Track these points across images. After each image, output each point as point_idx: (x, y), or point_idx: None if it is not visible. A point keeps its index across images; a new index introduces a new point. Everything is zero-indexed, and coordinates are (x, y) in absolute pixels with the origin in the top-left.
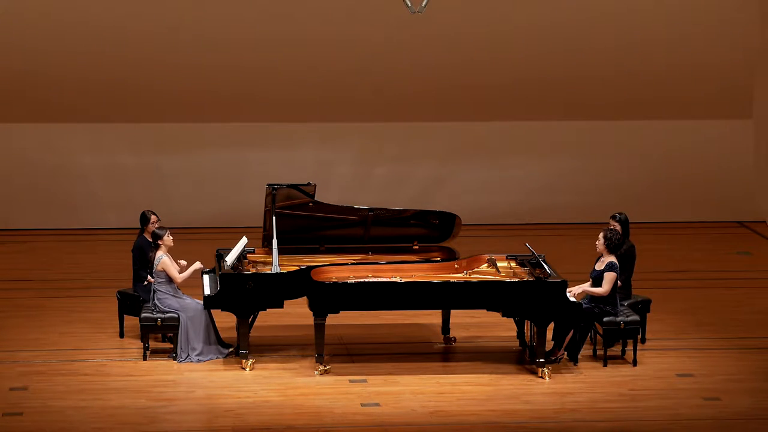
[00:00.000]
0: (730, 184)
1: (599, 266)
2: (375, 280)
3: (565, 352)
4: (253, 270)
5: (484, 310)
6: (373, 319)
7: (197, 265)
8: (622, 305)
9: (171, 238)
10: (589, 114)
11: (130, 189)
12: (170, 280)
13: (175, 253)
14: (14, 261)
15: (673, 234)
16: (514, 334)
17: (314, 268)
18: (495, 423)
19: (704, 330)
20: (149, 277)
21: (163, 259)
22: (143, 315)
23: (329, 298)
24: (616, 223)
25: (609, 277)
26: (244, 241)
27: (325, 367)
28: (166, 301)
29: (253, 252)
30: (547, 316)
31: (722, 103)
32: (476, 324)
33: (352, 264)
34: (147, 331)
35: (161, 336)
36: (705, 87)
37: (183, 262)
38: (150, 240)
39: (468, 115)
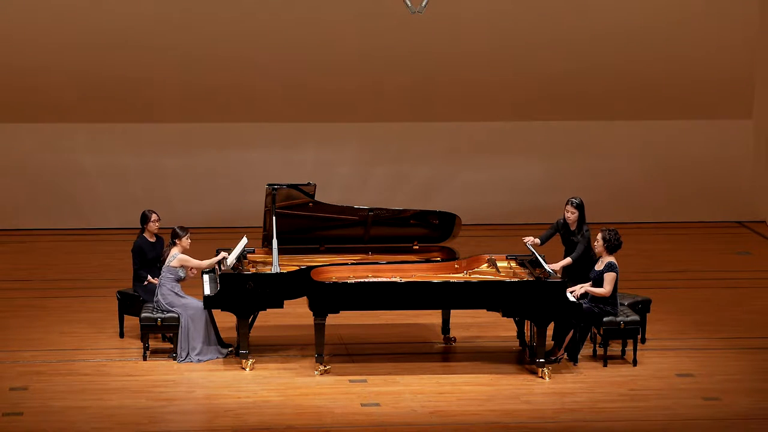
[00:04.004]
0: (730, 184)
1: (598, 267)
2: (375, 280)
3: (565, 352)
4: (253, 270)
5: (484, 310)
6: (373, 319)
7: (222, 254)
8: (621, 305)
9: (189, 241)
10: (589, 114)
11: (131, 189)
12: (178, 278)
13: None
14: (15, 261)
15: (673, 234)
16: (514, 334)
17: (314, 268)
18: (495, 423)
19: (704, 330)
20: (149, 277)
21: (179, 256)
22: (143, 315)
23: (329, 298)
24: (574, 209)
25: (609, 278)
26: (244, 241)
27: (325, 367)
28: (169, 298)
29: (253, 252)
30: (547, 316)
31: (722, 103)
32: (476, 324)
33: (352, 264)
34: (147, 331)
35: (161, 336)
36: (705, 87)
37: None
38: (150, 240)
39: (468, 115)
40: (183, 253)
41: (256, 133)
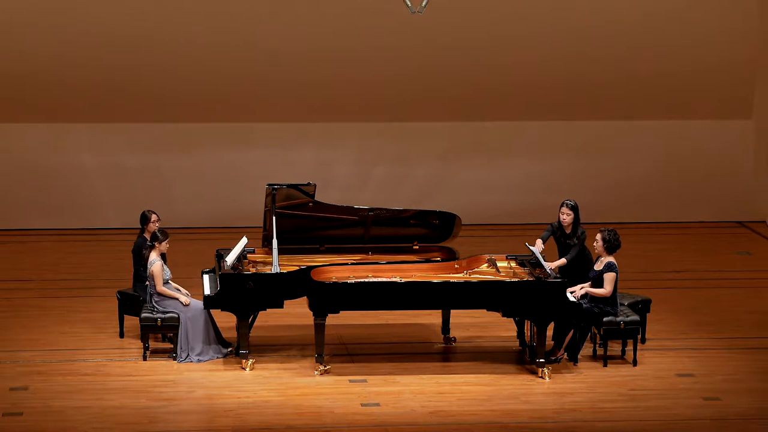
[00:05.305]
0: (730, 184)
1: (598, 267)
2: (375, 280)
3: (565, 352)
4: (253, 270)
5: (484, 310)
6: (373, 319)
7: (182, 297)
8: (621, 305)
9: (167, 246)
10: (589, 114)
11: (131, 189)
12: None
13: (175, 255)
14: (15, 261)
15: (673, 234)
16: (514, 334)
17: (314, 268)
18: (495, 423)
19: (704, 330)
20: None
21: (156, 264)
22: (143, 315)
23: (329, 298)
24: (569, 211)
25: (609, 278)
26: (244, 241)
27: (325, 367)
28: (163, 302)
29: (253, 252)
30: (547, 316)
31: (722, 103)
32: (476, 324)
33: (352, 264)
34: (147, 331)
35: (161, 336)
36: (705, 87)
37: (186, 298)
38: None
39: (468, 115)
40: (160, 256)
41: (256, 133)
